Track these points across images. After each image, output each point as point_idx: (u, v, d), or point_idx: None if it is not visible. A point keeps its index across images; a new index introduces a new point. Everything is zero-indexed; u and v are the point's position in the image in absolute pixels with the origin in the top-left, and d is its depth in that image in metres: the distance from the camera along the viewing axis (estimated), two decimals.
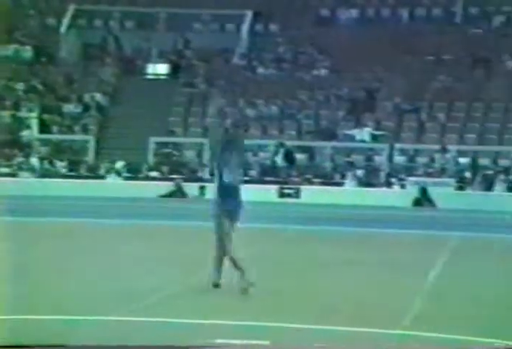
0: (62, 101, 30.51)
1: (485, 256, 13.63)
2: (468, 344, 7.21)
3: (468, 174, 26.17)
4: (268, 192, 25.56)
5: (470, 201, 24.06)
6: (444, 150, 26.88)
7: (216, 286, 9.56)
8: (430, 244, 15.28)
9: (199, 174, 27.35)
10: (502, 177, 25.84)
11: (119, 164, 27.90)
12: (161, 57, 32.13)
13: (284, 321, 7.96)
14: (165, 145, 28.80)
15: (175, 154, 28.47)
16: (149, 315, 8.20)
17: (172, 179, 26.60)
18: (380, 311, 8.47)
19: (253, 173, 27.06)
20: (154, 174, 27.65)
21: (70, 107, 30.35)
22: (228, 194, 9.07)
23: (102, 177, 27.49)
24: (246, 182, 25.32)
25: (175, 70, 31.66)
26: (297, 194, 25.62)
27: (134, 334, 7.40)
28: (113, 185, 26.34)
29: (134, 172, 27.78)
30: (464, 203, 23.72)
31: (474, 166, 26.51)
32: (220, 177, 9.16)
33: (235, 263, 9.33)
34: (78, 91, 30.80)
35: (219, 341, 7.07)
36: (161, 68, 31.97)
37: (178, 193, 26.06)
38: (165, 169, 27.69)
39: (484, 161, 26.56)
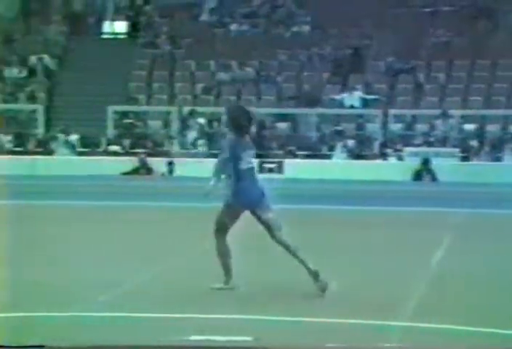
0: (2, 64, 29.63)
1: (493, 235, 13.29)
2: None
3: (473, 143, 26.08)
4: None
5: (477, 172, 24.02)
6: (445, 116, 26.65)
7: None
8: (432, 223, 14.98)
9: (166, 148, 27.14)
10: None
11: (73, 137, 27.34)
12: (118, 14, 31.55)
13: None
14: (126, 114, 28.39)
15: (138, 125, 28.00)
16: (115, 309, 7.82)
17: (134, 154, 26.31)
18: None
19: None
20: (114, 148, 27.27)
21: (12, 72, 29.50)
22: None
23: (52, 153, 27.02)
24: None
25: (134, 28, 31.13)
26: (279, 168, 25.69)
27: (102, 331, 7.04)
28: (67, 162, 25.98)
29: (90, 146, 27.38)
30: (469, 176, 23.67)
31: (480, 134, 26.33)
32: None
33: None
34: (20, 52, 29.89)
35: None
36: (118, 26, 31.39)
37: (143, 169, 25.91)
38: (127, 142, 27.31)
39: (491, 127, 26.42)
